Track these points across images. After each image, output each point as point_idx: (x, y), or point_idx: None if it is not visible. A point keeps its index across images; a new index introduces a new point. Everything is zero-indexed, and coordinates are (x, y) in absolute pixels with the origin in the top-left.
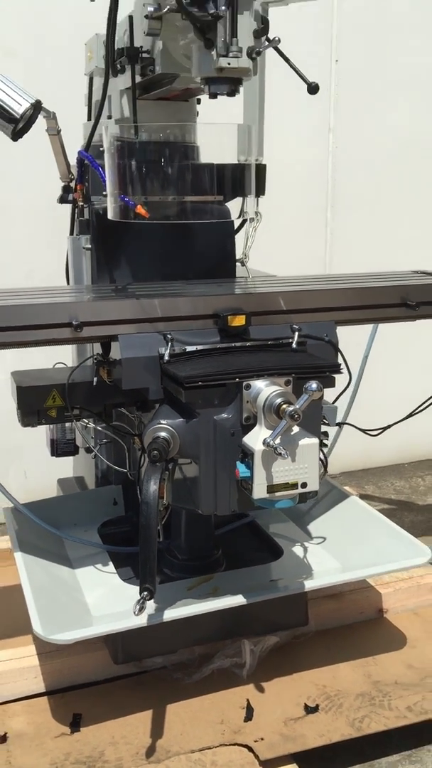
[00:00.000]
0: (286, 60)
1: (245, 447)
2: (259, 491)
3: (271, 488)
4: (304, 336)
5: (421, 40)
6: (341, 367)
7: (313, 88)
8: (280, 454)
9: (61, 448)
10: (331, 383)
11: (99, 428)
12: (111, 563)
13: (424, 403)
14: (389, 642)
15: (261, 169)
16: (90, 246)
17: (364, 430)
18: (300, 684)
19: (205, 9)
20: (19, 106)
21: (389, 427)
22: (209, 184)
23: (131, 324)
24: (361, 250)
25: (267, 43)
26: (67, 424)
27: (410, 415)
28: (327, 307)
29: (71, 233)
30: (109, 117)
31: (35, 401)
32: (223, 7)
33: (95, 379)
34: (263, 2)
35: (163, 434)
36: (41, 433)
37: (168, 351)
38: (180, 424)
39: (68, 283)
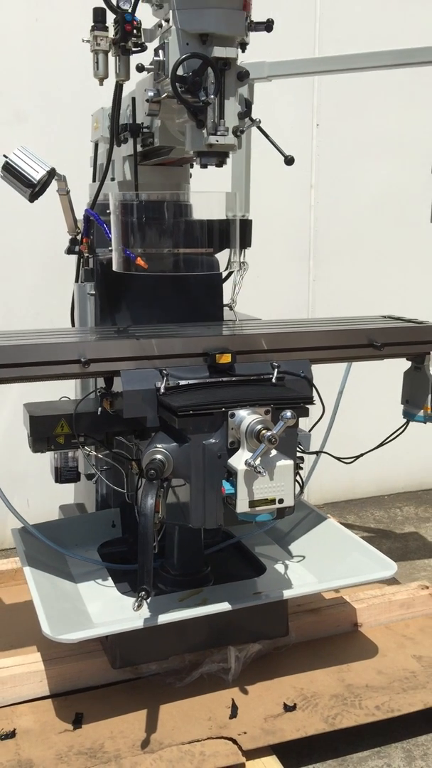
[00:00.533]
0: (266, 136)
1: (230, 467)
2: (242, 506)
3: (252, 503)
4: (282, 372)
5: (392, 107)
6: (314, 399)
7: (289, 161)
8: (260, 473)
9: (64, 475)
10: (304, 413)
11: (100, 456)
12: (110, 579)
13: (393, 433)
14: (362, 651)
15: (247, 224)
16: (94, 292)
17: (339, 458)
18: (280, 687)
19: (197, 96)
20: (36, 173)
21: (362, 455)
22: (200, 238)
23: (132, 361)
24: (341, 296)
25: (250, 122)
26: (70, 454)
27: (381, 445)
28: (303, 347)
29: (77, 280)
30: (113, 179)
31: (46, 429)
32: (213, 96)
33: (99, 409)
34: (249, 82)
35: (159, 456)
36: (43, 463)
37: (163, 384)
38: (174, 448)
39: (73, 324)
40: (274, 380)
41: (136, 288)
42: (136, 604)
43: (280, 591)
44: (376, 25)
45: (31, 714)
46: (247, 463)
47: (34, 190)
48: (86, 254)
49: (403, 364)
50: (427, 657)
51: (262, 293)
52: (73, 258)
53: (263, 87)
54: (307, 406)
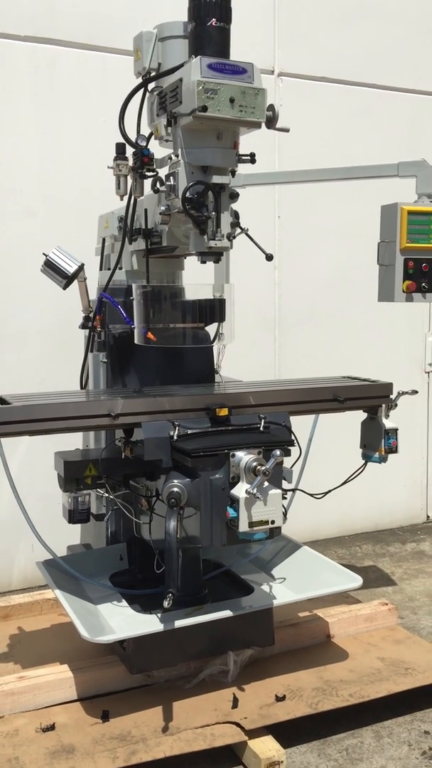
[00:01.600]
0: (251, 239)
1: (233, 496)
2: (243, 526)
3: (251, 524)
4: (267, 422)
5: (341, 201)
6: (294, 442)
7: (269, 257)
8: (258, 498)
9: (76, 516)
10: (288, 453)
11: (111, 497)
12: (124, 601)
13: (354, 472)
14: (335, 656)
15: (223, 303)
16: (106, 360)
17: (311, 494)
18: (270, 684)
19: (201, 212)
20: (70, 268)
21: (330, 491)
22: (197, 316)
23: (149, 414)
24: (302, 360)
25: (240, 230)
26: (80, 499)
27: (345, 482)
28: (282, 402)
29: (90, 350)
30: (120, 268)
31: (77, 471)
32: (213, 212)
33: (123, 454)
34: (230, 196)
35: (176, 489)
36: (44, 512)
37: (176, 433)
38: (187, 483)
39: (82, 387)
40: (261, 428)
41: (143, 355)
42: (166, 602)
43: (268, 601)
44: (326, 143)
45: (64, 713)
46: (247, 491)
47: (68, 281)
48: (99, 329)
49: (360, 416)
50: (389, 658)
51: (238, 357)
52: (74, 332)
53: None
54: (290, 447)
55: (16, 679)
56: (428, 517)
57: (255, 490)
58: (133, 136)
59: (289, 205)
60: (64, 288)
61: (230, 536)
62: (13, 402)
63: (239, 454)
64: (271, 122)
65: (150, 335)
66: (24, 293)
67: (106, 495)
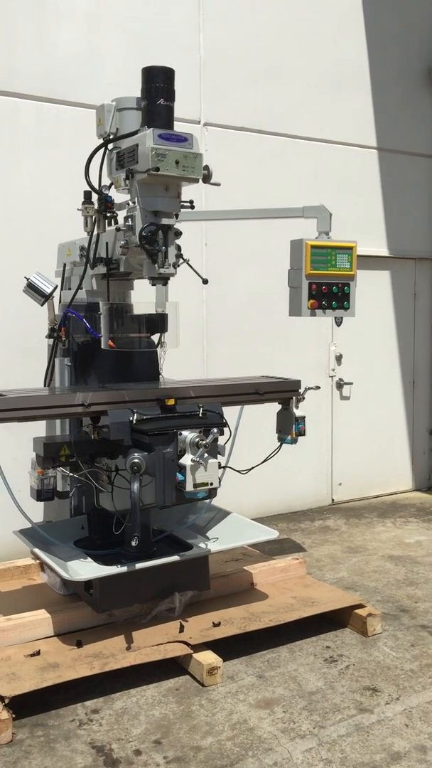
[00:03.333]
0: (191, 267)
1: (181, 464)
2: (189, 487)
3: (195, 485)
4: (205, 410)
5: (257, 231)
6: (226, 424)
7: (205, 282)
8: (201, 464)
9: (43, 495)
10: (222, 433)
11: (77, 476)
12: (88, 558)
13: (271, 453)
14: (258, 597)
15: (165, 317)
16: (70, 364)
17: (237, 470)
18: (208, 617)
19: (153, 246)
20: (48, 289)
21: (252, 468)
22: (143, 327)
23: (112, 404)
24: (226, 365)
25: (182, 260)
26: (45, 481)
27: (264, 461)
28: (215, 395)
29: (54, 356)
30: (81, 288)
31: (54, 450)
32: (163, 247)
33: (92, 437)
34: (175, 234)
35: (137, 459)
36: (2, 495)
37: (135, 418)
38: (145, 456)
39: (46, 385)
40: (200, 414)
41: (101, 359)
42: (133, 542)
43: (199, 551)
44: (245, 182)
45: (46, 645)
46: (192, 460)
47: (45, 299)
48: (63, 338)
49: (275, 409)
50: (300, 596)
51: (174, 362)
52: (32, 341)
53: None
54: (223, 428)
55: (4, 620)
56: (332, 500)
57: (198, 459)
58: (94, 184)
59: (215, 234)
60: (42, 305)
61: (178, 496)
62: (6, 395)
63: (185, 432)
64: (206, 178)
65: (111, 342)
66: None
67: (71, 474)
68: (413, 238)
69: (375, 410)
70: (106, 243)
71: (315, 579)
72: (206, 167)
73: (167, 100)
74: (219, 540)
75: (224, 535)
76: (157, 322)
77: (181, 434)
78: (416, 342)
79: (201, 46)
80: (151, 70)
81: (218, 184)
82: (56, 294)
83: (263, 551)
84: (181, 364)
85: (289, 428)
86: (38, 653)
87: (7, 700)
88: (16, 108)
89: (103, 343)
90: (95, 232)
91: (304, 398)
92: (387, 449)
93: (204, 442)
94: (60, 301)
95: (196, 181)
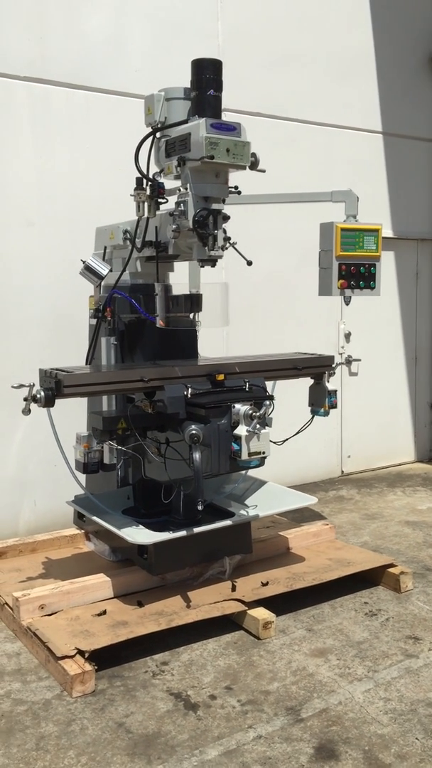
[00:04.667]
0: (237, 250)
1: (236, 435)
2: (244, 455)
3: (250, 454)
4: (251, 384)
5: (275, 214)
6: (273, 397)
7: (249, 263)
8: (256, 434)
9: (89, 468)
10: (272, 406)
11: (124, 449)
12: (141, 526)
13: (305, 424)
14: (296, 560)
15: (200, 297)
16: (116, 342)
17: (274, 442)
18: (255, 578)
19: (205, 230)
20: (103, 271)
21: (287, 439)
22: (185, 307)
23: (168, 380)
24: (244, 343)
25: (229, 243)
26: (90, 454)
27: (298, 432)
28: (258, 370)
29: (96, 336)
30: (125, 270)
31: (112, 424)
32: (215, 231)
33: (149, 411)
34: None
35: (195, 431)
36: (44, 471)
37: (189, 392)
38: (202, 427)
39: (88, 363)
40: (247, 388)
41: (147, 338)
42: (200, 506)
43: (252, 515)
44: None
45: (109, 605)
46: (247, 431)
47: (101, 280)
48: (109, 317)
49: (298, 383)
50: (335, 558)
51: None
52: (67, 322)
53: None
54: (267, 401)
55: (68, 583)
56: (342, 471)
57: (252, 429)
58: (143, 170)
59: (234, 218)
60: (98, 286)
61: (232, 465)
62: (73, 371)
63: (237, 405)
64: (253, 165)
65: (161, 322)
66: (24, 291)
67: (120, 447)
68: (415, 219)
69: (381, 386)
70: (156, 227)
71: (344, 542)
72: (253, 155)
73: (216, 91)
74: (260, 506)
75: (263, 502)
76: (197, 302)
77: (234, 407)
78: (418, 320)
79: (219, 33)
80: (201, 62)
81: (263, 171)
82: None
83: (288, 519)
84: (204, 341)
85: (323, 401)
86: (104, 613)
87: (87, 654)
88: (47, 95)
89: (159, 322)
90: (146, 216)
91: (334, 373)
92: (392, 423)
93: (258, 413)
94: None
95: (244, 168)
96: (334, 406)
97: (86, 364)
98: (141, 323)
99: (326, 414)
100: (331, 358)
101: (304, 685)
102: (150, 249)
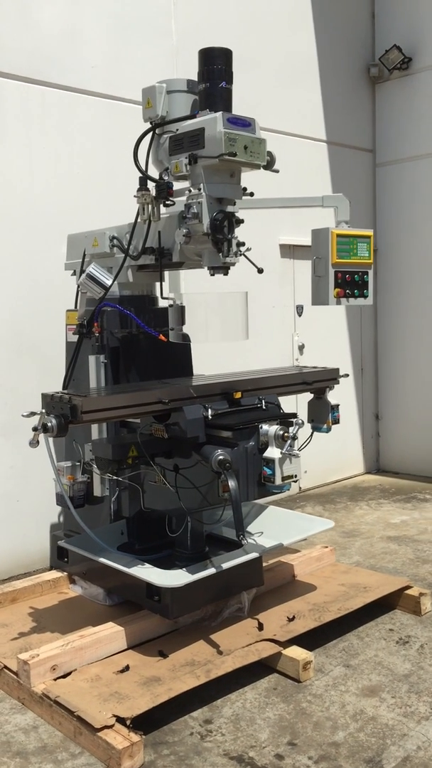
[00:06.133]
0: (247, 258)
1: (268, 458)
2: (278, 480)
3: (283, 478)
4: (266, 402)
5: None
6: (296, 415)
7: (260, 271)
8: (293, 455)
9: (75, 502)
10: (290, 424)
11: (119, 479)
12: (146, 564)
13: (305, 441)
14: (307, 588)
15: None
16: (106, 360)
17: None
18: (275, 612)
19: (222, 234)
20: (107, 281)
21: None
22: (180, 319)
23: (184, 400)
24: (207, 357)
25: (241, 249)
26: (76, 487)
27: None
28: (269, 386)
29: (76, 354)
30: (115, 281)
31: (123, 452)
32: (230, 236)
33: (161, 435)
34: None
35: (222, 457)
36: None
37: (210, 413)
38: (229, 451)
39: (65, 387)
40: (264, 406)
41: (142, 355)
42: (242, 540)
43: (275, 545)
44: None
45: (126, 659)
46: (281, 453)
47: (106, 291)
48: (97, 333)
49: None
50: (348, 584)
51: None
52: (24, 340)
53: None
54: (292, 420)
55: (77, 637)
56: (299, 488)
57: (287, 451)
58: (142, 168)
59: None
60: (101, 297)
61: (260, 491)
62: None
63: (265, 426)
64: (269, 165)
65: (162, 336)
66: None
67: (116, 478)
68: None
69: (331, 397)
70: (159, 232)
71: (347, 565)
72: (269, 153)
73: (228, 83)
74: (273, 533)
75: (273, 529)
76: (183, 314)
77: (262, 427)
78: (363, 332)
79: (173, 32)
80: (211, 52)
81: (277, 171)
82: (63, 286)
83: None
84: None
85: (326, 417)
86: (128, 668)
87: (128, 722)
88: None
89: (171, 336)
90: (136, 220)
91: (333, 387)
92: (342, 435)
93: (290, 434)
94: (77, 295)
95: (259, 167)
96: (337, 421)
97: (65, 385)
98: (134, 339)
99: (329, 430)
100: (337, 370)
101: (372, 731)
102: (148, 256)
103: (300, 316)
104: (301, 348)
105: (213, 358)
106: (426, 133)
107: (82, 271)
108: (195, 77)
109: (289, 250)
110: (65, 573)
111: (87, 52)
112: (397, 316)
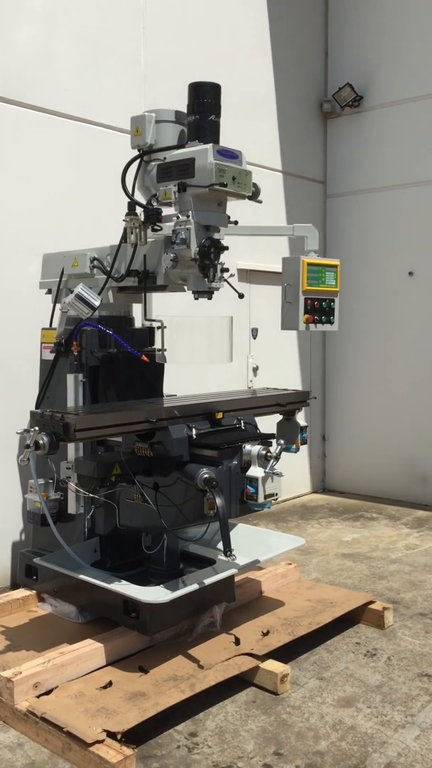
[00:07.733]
0: (229, 284)
1: (251, 477)
2: (261, 498)
3: (265, 497)
4: (245, 423)
5: None
6: (275, 435)
7: (240, 296)
8: (277, 474)
9: (45, 521)
10: (271, 444)
11: (95, 496)
12: (123, 581)
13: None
14: (276, 604)
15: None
16: (84, 380)
17: None
18: (248, 627)
19: (209, 259)
20: (96, 302)
21: None
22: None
23: (170, 420)
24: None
25: (225, 275)
26: (49, 504)
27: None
28: (247, 407)
29: (51, 373)
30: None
31: (108, 470)
32: (216, 262)
33: (149, 454)
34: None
35: (207, 475)
36: None
37: (194, 432)
38: (213, 469)
39: (38, 407)
40: (242, 426)
41: (118, 375)
42: (230, 558)
43: (250, 562)
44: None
45: (107, 675)
46: (265, 472)
47: (93, 311)
48: (75, 353)
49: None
50: (315, 599)
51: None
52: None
53: None
54: (271, 440)
55: (58, 654)
56: None
57: (269, 470)
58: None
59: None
60: (87, 317)
61: (242, 509)
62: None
63: (248, 446)
64: (254, 195)
65: (144, 357)
66: None
67: (92, 495)
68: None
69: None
70: (144, 255)
71: (311, 582)
72: (254, 185)
73: (217, 116)
74: (244, 550)
75: (242, 547)
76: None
77: (244, 446)
78: (312, 355)
79: (142, 60)
80: (201, 87)
81: (261, 202)
82: (38, 306)
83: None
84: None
85: (295, 437)
86: (110, 684)
87: (120, 736)
88: None
89: (158, 358)
90: (121, 243)
91: (301, 409)
92: (290, 455)
93: (273, 454)
94: (53, 314)
95: (245, 197)
96: (305, 441)
97: (38, 403)
98: (113, 358)
99: (297, 450)
100: (307, 393)
101: (353, 740)
102: (132, 279)
103: (255, 339)
104: (255, 370)
105: (174, 380)
106: (374, 168)
107: (59, 290)
108: (162, 104)
109: (246, 275)
110: (33, 591)
111: (60, 74)
112: (346, 341)
